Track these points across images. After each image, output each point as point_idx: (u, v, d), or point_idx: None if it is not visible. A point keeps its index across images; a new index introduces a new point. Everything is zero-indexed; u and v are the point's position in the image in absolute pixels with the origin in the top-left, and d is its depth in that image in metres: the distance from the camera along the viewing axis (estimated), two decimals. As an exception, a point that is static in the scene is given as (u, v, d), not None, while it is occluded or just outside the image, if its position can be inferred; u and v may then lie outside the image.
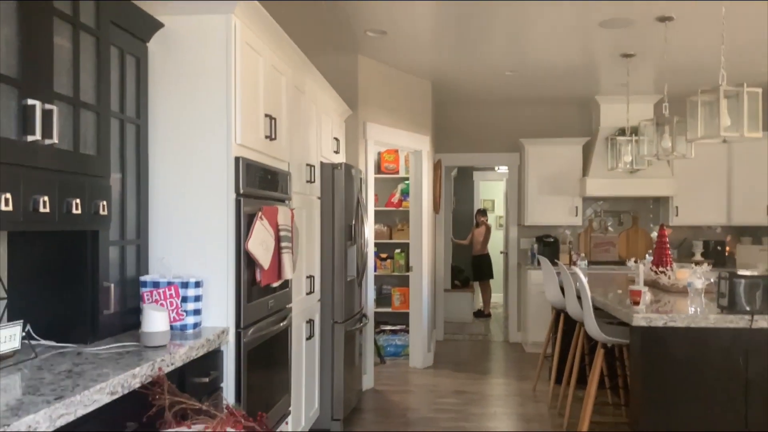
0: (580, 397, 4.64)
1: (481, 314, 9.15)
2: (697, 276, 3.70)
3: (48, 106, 1.77)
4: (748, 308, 2.98)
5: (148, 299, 2.42)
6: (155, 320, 2.17)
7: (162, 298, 2.42)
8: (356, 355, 4.61)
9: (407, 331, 6.40)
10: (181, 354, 2.13)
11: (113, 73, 2.26)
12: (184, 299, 2.43)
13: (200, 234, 2.56)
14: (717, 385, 2.99)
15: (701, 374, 3.00)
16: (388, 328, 6.78)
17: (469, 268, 9.31)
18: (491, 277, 9.23)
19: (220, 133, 2.53)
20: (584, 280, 3.62)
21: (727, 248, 6.93)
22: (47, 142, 1.77)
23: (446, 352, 6.78)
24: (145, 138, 2.52)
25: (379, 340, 6.42)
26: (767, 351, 2.97)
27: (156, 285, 2.43)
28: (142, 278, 2.44)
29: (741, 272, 3.05)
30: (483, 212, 9.43)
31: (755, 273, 3.04)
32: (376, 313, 6.42)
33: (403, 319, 6.80)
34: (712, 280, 3.71)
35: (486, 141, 7.41)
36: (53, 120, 1.78)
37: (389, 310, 6.75)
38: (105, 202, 2.10)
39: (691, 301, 3.47)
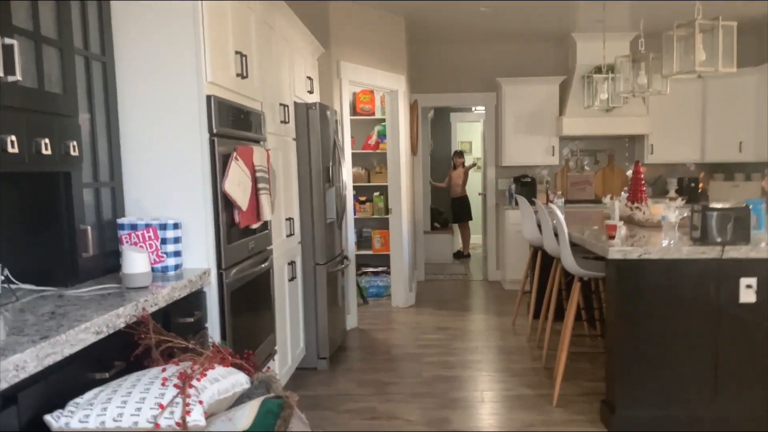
0: (558, 330, 4.77)
1: (461, 255, 9.21)
2: (671, 210, 3.77)
3: (8, 41, 1.69)
4: (719, 239, 3.05)
5: (127, 242, 2.39)
6: (136, 262, 2.15)
7: (141, 240, 2.40)
8: (339, 296, 4.66)
9: (389, 273, 6.47)
10: (164, 294, 2.12)
11: (74, 8, 2.16)
12: (164, 241, 2.42)
13: (176, 175, 2.52)
14: (689, 313, 3.09)
15: (674, 303, 3.10)
16: (370, 270, 6.85)
17: (448, 210, 9.36)
18: (470, 218, 9.19)
19: (189, 70, 2.46)
20: (561, 216, 3.67)
21: (701, 185, 7.05)
22: (10, 79, 1.70)
23: (427, 291, 6.89)
24: (113, 76, 2.44)
25: (361, 281, 6.49)
26: (736, 279, 3.06)
27: (134, 227, 2.40)
28: (120, 221, 2.41)
29: (713, 205, 3.10)
30: (460, 154, 9.29)
31: (726, 205, 3.10)
32: (357, 255, 6.47)
33: (384, 261, 6.86)
34: (685, 215, 3.79)
35: (463, 81, 7.34)
36: (14, 55, 1.70)
37: (370, 252, 6.80)
38: (75, 143, 2.05)
39: (665, 234, 3.54)
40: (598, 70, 6.00)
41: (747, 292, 3.06)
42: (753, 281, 3.06)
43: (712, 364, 3.10)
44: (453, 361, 4.39)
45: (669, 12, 5.71)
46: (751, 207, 3.15)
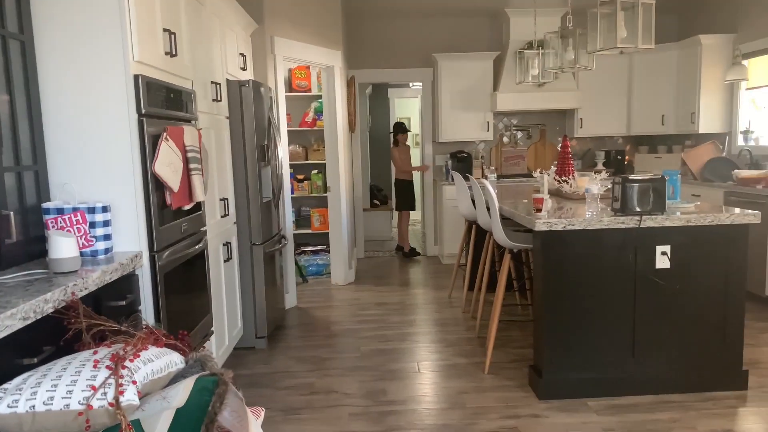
0: (491, 301, 4.96)
1: (401, 250, 7.72)
2: (594, 182, 3.96)
3: None
4: (638, 209, 3.24)
5: (53, 226, 2.35)
6: (63, 246, 2.12)
7: (68, 224, 2.36)
8: (277, 275, 4.68)
9: (328, 251, 6.52)
10: (94, 278, 2.11)
11: (-11, -15, 2.08)
12: (92, 225, 2.38)
13: (104, 157, 2.48)
14: (610, 281, 3.28)
15: (596, 272, 3.28)
16: (309, 248, 6.88)
17: (388, 188, 9.33)
18: (413, 207, 7.65)
19: (116, 49, 2.40)
20: (492, 191, 3.79)
21: (627, 157, 7.38)
22: None
23: (367, 268, 6.98)
24: (32, 55, 2.37)
25: (301, 260, 6.51)
26: (653, 247, 3.27)
27: (60, 211, 2.36)
28: (45, 205, 2.36)
29: (632, 177, 3.28)
30: (401, 127, 7.53)
31: (645, 177, 3.28)
32: (296, 234, 6.48)
33: (323, 239, 6.91)
34: (608, 187, 3.98)
35: (400, 56, 7.37)
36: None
37: (309, 231, 6.82)
38: (-6, 126, 1.98)
39: (588, 206, 3.72)
40: (530, 45, 6.15)
41: (662, 258, 3.27)
42: (667, 248, 3.26)
43: (630, 328, 3.31)
44: (390, 334, 4.50)
45: (595, -10, 5.89)
46: (667, 178, 3.35)
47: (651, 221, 3.22)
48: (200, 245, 3.14)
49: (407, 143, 7.59)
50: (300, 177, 6.92)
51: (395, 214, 8.34)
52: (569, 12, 4.79)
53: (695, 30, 6.76)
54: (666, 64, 6.73)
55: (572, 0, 5.12)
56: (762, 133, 5.93)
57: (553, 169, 4.84)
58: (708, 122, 6.26)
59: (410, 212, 7.69)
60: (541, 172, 5.03)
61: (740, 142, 6.15)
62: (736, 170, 5.44)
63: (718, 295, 3.31)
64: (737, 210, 3.32)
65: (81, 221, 2.36)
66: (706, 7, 6.67)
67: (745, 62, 5.91)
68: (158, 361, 1.82)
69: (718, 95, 6.24)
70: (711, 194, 5.56)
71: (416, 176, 8.11)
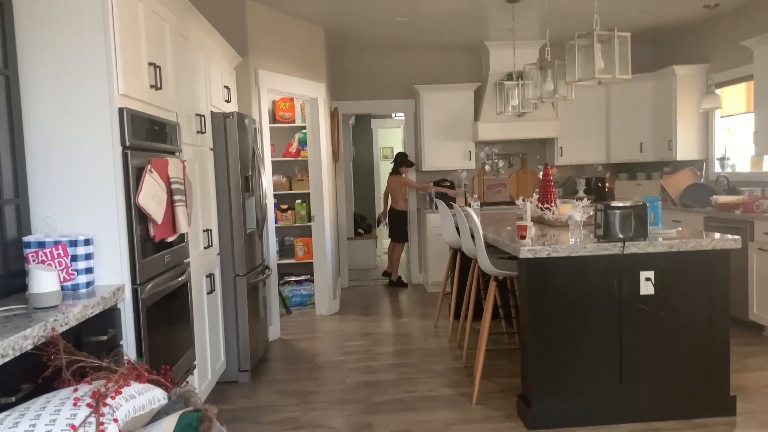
0: (477, 329, 4.94)
1: (388, 276, 7.67)
2: (577, 210, 3.99)
3: None
4: (621, 236, 3.27)
5: (34, 260, 2.31)
6: (43, 280, 2.08)
7: (49, 258, 2.32)
8: (261, 306, 4.63)
9: (312, 281, 6.47)
10: (75, 313, 2.07)
11: (-28, 19, 2.08)
12: (74, 258, 2.34)
13: (87, 190, 2.45)
14: (595, 307, 3.29)
15: (581, 298, 3.29)
16: (293, 278, 6.83)
17: (372, 216, 9.37)
18: (407, 239, 7.65)
19: (101, 83, 2.40)
20: (476, 219, 3.81)
21: (607, 184, 7.48)
22: None
23: (352, 297, 6.94)
24: (17, 89, 2.35)
25: (284, 291, 6.46)
26: (636, 273, 3.29)
27: (42, 245, 2.32)
28: (26, 239, 2.32)
29: (614, 204, 3.32)
30: (405, 160, 7.34)
31: (627, 204, 3.32)
32: (280, 264, 6.44)
33: (307, 269, 6.87)
34: (591, 214, 4.02)
35: (382, 88, 7.46)
36: None
37: (293, 261, 6.79)
38: (-25, 160, 1.96)
39: (571, 233, 3.75)
40: (510, 77, 6.26)
41: (646, 284, 3.30)
42: (651, 274, 3.29)
43: (618, 355, 3.31)
44: (376, 366, 4.46)
45: (573, 22, 6.05)
46: (648, 205, 3.40)
47: (634, 247, 3.25)
48: (183, 277, 3.10)
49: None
50: (284, 207, 6.91)
51: (385, 242, 8.32)
52: (547, 44, 4.90)
53: (669, 60, 6.94)
54: (642, 94, 6.87)
55: (550, 33, 5.23)
56: (737, 159, 6.05)
57: (536, 196, 4.89)
58: (685, 149, 6.39)
59: (404, 243, 7.64)
60: (523, 200, 5.07)
61: (717, 168, 6.27)
62: (715, 196, 5.54)
63: (702, 320, 3.33)
64: (718, 235, 3.36)
65: (62, 255, 2.33)
66: (680, 38, 6.86)
67: (718, 91, 6.06)
68: (141, 397, 1.78)
69: (694, 123, 6.37)
70: (691, 220, 5.63)
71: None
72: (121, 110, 2.45)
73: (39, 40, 2.39)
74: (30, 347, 1.78)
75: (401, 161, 7.34)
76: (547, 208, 4.52)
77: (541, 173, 5.73)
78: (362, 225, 9.18)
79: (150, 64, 2.81)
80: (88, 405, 1.61)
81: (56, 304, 2.10)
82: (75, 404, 1.61)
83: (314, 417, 3.56)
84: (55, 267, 2.30)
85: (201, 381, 3.50)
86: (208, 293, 3.75)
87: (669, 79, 6.47)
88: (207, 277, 3.73)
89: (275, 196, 6.66)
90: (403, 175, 7.33)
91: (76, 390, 1.68)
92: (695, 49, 6.57)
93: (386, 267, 7.75)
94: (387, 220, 7.68)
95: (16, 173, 2.35)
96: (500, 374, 4.14)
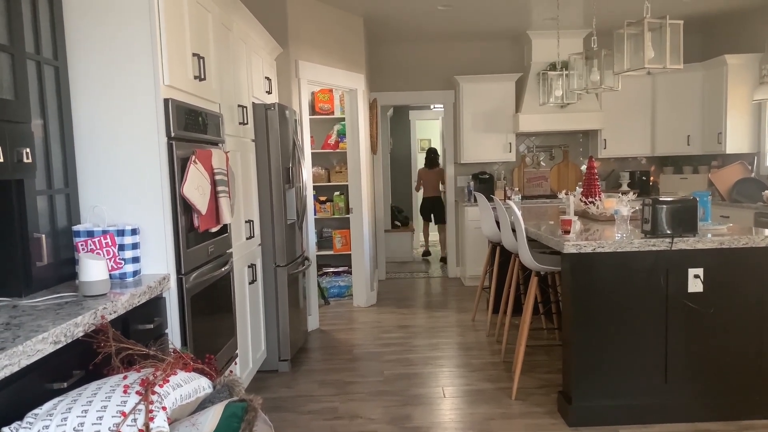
0: (516, 324, 4.89)
1: (428, 254, 9.18)
2: (624, 204, 3.89)
3: (-44, 48, 1.65)
4: (669, 231, 3.17)
5: (83, 249, 2.36)
6: (93, 269, 2.12)
7: (98, 247, 2.37)
8: (300, 297, 4.66)
9: (350, 273, 6.49)
10: (123, 302, 2.10)
11: (25, 12, 2.12)
12: (121, 247, 2.39)
13: (133, 181, 2.49)
14: (641, 304, 3.21)
15: (627, 295, 3.21)
16: (331, 270, 6.86)
17: (409, 209, 9.54)
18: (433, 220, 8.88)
19: (147, 74, 2.43)
20: (518, 212, 3.75)
21: (652, 178, 7.29)
22: (-41, 86, 1.66)
23: (389, 290, 6.94)
24: (66, 80, 2.40)
25: (323, 282, 6.50)
26: (685, 270, 3.19)
27: (90, 234, 2.37)
28: (75, 228, 2.37)
29: (662, 198, 3.22)
30: (435, 153, 8.76)
31: (675, 198, 3.22)
32: (318, 256, 6.48)
33: (345, 260, 6.89)
34: (637, 208, 3.92)
35: (421, 79, 7.40)
36: (-36, 62, 1.66)
37: (331, 252, 6.81)
38: (28, 150, 2.00)
39: (617, 228, 3.66)
40: (553, 67, 6.15)
41: (695, 282, 3.20)
42: (700, 271, 3.19)
43: (663, 354, 3.22)
44: (414, 358, 4.45)
45: (620, 10, 5.89)
46: (697, 199, 3.29)
47: (683, 243, 3.15)
48: (226, 267, 3.14)
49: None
50: (322, 198, 6.94)
51: (418, 229, 9.88)
52: (593, 33, 4.77)
53: (720, 50, 6.70)
54: (691, 84, 6.66)
55: (596, 21, 5.10)
56: (792, 153, 5.82)
57: (579, 190, 4.79)
58: (735, 142, 6.17)
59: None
60: (566, 194, 4.98)
61: (769, 162, 6.04)
62: (767, 191, 5.34)
63: (753, 319, 3.22)
64: (772, 232, 3.23)
65: (110, 244, 2.37)
66: (732, 26, 6.61)
67: (772, 82, 5.82)
68: (187, 386, 1.80)
69: (745, 115, 6.15)
70: (740, 215, 5.45)
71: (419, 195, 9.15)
72: (166, 101, 2.47)
73: (86, 32, 2.43)
74: (81, 334, 1.82)
75: (436, 156, 8.67)
76: (591, 202, 4.43)
77: (585, 166, 5.62)
78: (399, 217, 9.16)
79: (194, 54, 2.84)
80: (138, 393, 1.63)
81: (105, 293, 2.14)
82: (125, 392, 1.63)
83: (353, 407, 3.57)
84: (104, 256, 2.34)
85: (242, 369, 3.54)
86: (250, 283, 3.79)
87: (719, 69, 6.25)
88: (249, 267, 3.77)
89: (314, 187, 6.70)
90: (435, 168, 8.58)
91: (125, 378, 1.71)
92: (748, 37, 6.33)
93: (430, 251, 9.29)
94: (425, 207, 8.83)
95: (65, 163, 2.40)
96: (540, 370, 4.08)
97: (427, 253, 9.20)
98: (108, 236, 2.37)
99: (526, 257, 3.69)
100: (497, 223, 4.89)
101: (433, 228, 9.54)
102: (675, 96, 6.79)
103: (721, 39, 6.83)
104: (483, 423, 3.31)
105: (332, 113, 6.88)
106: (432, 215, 8.77)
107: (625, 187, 6.98)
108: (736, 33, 6.55)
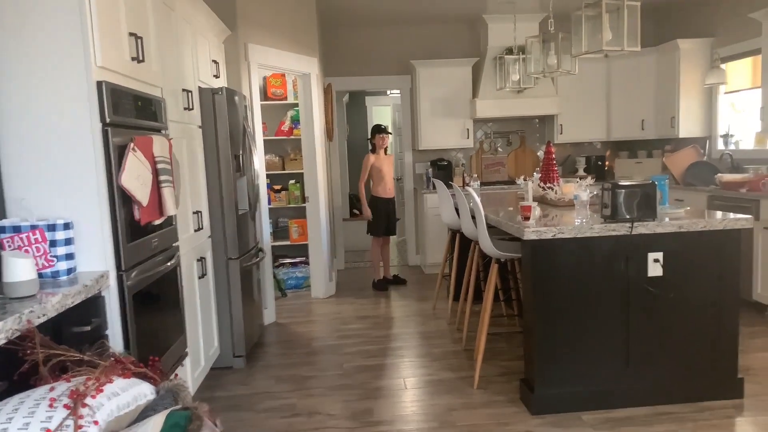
0: (477, 312, 4.83)
1: (388, 282, 6.38)
2: (582, 189, 3.86)
3: None
4: (628, 216, 3.14)
5: (9, 246, 2.15)
6: (19, 268, 1.93)
7: (26, 243, 2.17)
8: (255, 290, 4.50)
9: (307, 263, 6.34)
10: (54, 303, 1.92)
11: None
12: (53, 243, 2.19)
13: (66, 171, 2.29)
14: (601, 290, 3.17)
15: (587, 280, 3.16)
16: (288, 261, 6.70)
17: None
18: (394, 232, 6.39)
19: (76, 54, 2.23)
20: (478, 199, 3.67)
21: (607, 162, 7.34)
22: None
23: (348, 280, 6.81)
24: (-15, 62, 2.18)
25: (279, 273, 6.33)
26: (645, 254, 3.16)
27: (17, 230, 2.17)
28: (0, 223, 2.17)
29: (621, 182, 3.18)
30: (382, 130, 6.16)
31: (634, 182, 3.19)
32: (274, 246, 6.29)
33: (302, 251, 6.73)
34: (595, 193, 3.89)
35: (377, 63, 7.25)
36: None
37: (288, 243, 6.64)
38: (-61, 138, 1.80)
39: (577, 213, 3.62)
40: (510, 51, 6.08)
41: (654, 266, 3.17)
42: (660, 255, 3.17)
43: (625, 338, 3.20)
44: (374, 349, 4.34)
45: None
46: (656, 183, 3.26)
47: (642, 228, 3.12)
48: (172, 262, 2.96)
49: (388, 151, 6.24)
50: (277, 187, 6.74)
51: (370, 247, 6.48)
52: (550, 16, 4.71)
53: (673, 34, 6.76)
54: (645, 69, 6.70)
55: (552, 5, 5.06)
56: (742, 136, 5.92)
57: (536, 175, 4.74)
58: (688, 126, 6.24)
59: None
60: (525, 179, 4.94)
61: (720, 146, 6.13)
62: (719, 174, 5.41)
63: (711, 302, 3.22)
64: (730, 215, 3.23)
65: (40, 240, 2.18)
66: (683, 11, 6.67)
67: (723, 66, 5.90)
68: (125, 394, 1.64)
69: (698, 99, 6.22)
70: (694, 199, 5.51)
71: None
72: (99, 83, 2.28)
73: (8, 8, 2.20)
74: (3, 342, 1.64)
75: (374, 133, 6.13)
76: (549, 188, 4.39)
77: (541, 152, 5.57)
78: (357, 206, 9.03)
79: (131, 34, 2.63)
80: (66, 406, 1.47)
81: (33, 294, 1.95)
82: (51, 405, 1.47)
83: (312, 403, 3.44)
84: (33, 253, 2.15)
85: (194, 368, 3.37)
86: (200, 278, 3.61)
87: (672, 54, 6.30)
88: (198, 261, 3.59)
89: (268, 176, 6.49)
90: (377, 151, 6.12)
91: (52, 389, 1.54)
92: (700, 22, 6.39)
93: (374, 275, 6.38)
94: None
95: (-12, 153, 2.18)
96: (501, 357, 4.03)
97: (398, 279, 6.43)
98: (37, 231, 2.18)
99: (486, 244, 3.61)
100: (456, 210, 4.81)
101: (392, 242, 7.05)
102: (629, 81, 6.83)
103: (673, 24, 6.89)
104: (445, 414, 3.23)
105: (285, 99, 6.68)
106: (387, 226, 6.21)
107: (581, 172, 7.00)
108: (687, 18, 6.61)
